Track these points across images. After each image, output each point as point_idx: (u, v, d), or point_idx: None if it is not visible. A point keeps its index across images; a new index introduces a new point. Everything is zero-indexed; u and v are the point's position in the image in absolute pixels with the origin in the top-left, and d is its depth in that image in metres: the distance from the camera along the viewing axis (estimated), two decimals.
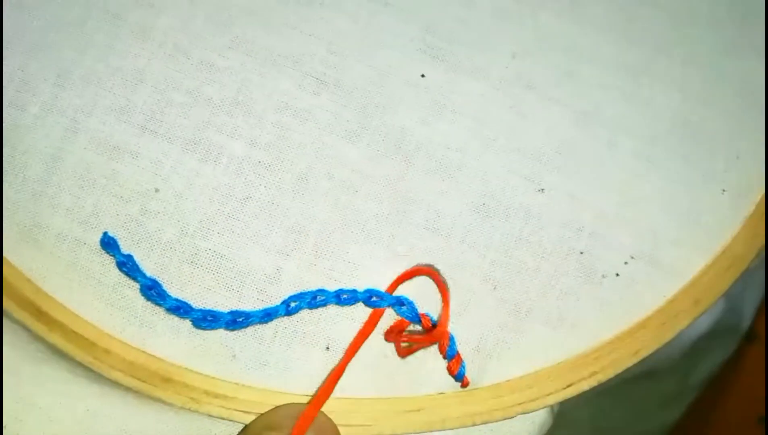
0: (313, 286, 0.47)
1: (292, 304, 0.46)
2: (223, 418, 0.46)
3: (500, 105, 0.49)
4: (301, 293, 0.46)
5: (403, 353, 0.47)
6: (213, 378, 0.46)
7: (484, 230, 0.48)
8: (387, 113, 0.48)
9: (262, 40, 0.48)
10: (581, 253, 0.49)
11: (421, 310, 0.47)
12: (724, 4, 0.53)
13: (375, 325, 0.46)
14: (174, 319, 0.46)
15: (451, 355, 0.47)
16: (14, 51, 0.47)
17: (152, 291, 0.45)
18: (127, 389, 0.45)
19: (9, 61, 0.47)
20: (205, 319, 0.45)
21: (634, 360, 0.48)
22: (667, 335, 0.49)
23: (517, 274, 0.48)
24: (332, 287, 0.47)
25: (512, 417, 0.47)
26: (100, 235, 0.46)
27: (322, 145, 0.48)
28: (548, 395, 0.47)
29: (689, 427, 1.00)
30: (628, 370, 0.49)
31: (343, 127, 0.48)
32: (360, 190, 0.47)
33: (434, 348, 0.47)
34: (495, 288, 0.48)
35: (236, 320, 0.45)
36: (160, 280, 0.46)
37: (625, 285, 0.49)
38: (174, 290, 0.46)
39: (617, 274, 0.49)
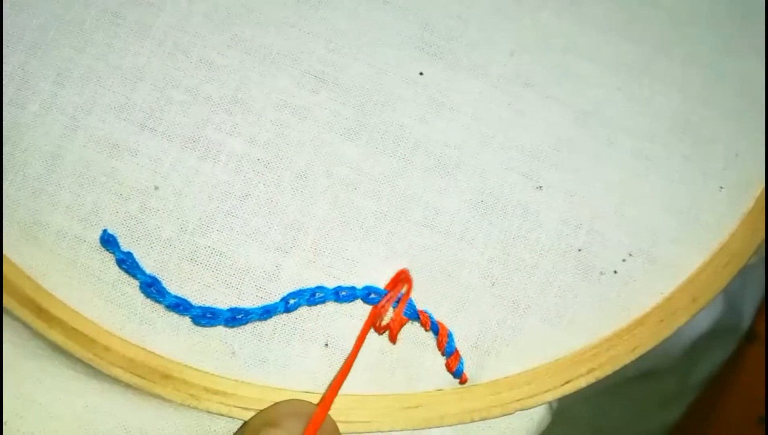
0: (311, 283, 0.47)
1: (291, 301, 0.46)
2: (222, 415, 0.46)
3: (499, 103, 0.50)
4: (300, 290, 0.46)
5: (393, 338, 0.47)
6: (212, 375, 0.46)
7: (482, 227, 0.48)
8: (385, 111, 0.49)
9: (260, 38, 0.49)
10: (579, 250, 0.49)
11: (419, 308, 0.47)
12: (724, 4, 0.54)
13: (375, 322, 0.46)
14: (173, 316, 0.46)
15: (449, 351, 0.47)
16: (14, 49, 0.47)
17: (152, 288, 0.46)
18: (127, 386, 0.46)
19: (9, 60, 0.47)
20: (205, 316, 0.46)
21: (632, 357, 0.48)
22: (665, 332, 0.49)
23: (515, 271, 0.48)
24: (331, 284, 0.47)
25: (511, 414, 0.48)
26: (99, 233, 0.46)
27: (321, 142, 0.48)
28: (546, 392, 0.48)
29: (689, 427, 1.01)
30: (627, 368, 0.49)
31: (342, 125, 0.48)
32: (359, 187, 0.48)
33: (433, 344, 0.47)
34: (493, 285, 0.48)
35: (235, 317, 0.46)
36: (159, 277, 0.46)
37: (622, 282, 0.49)
38: (173, 287, 0.46)
39: (615, 272, 0.49)
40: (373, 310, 0.46)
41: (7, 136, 0.46)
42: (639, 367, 0.74)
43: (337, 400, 0.46)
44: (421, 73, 0.49)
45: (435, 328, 0.47)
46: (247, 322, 0.46)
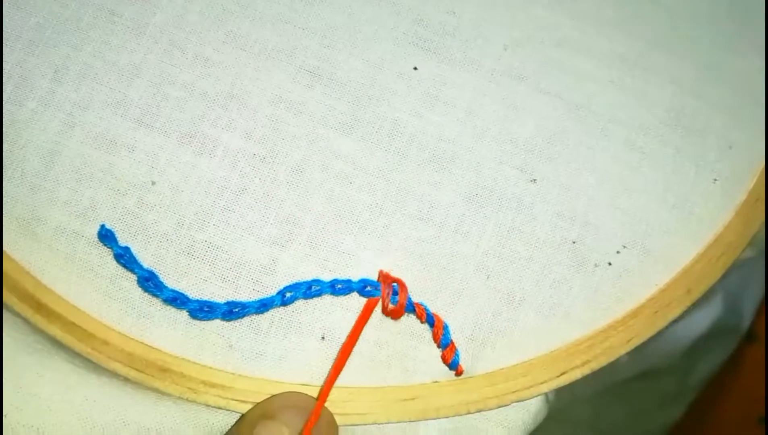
0: (308, 277, 0.47)
1: (288, 295, 0.47)
2: (220, 408, 0.46)
3: (492, 97, 0.50)
4: (297, 283, 0.47)
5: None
6: (210, 368, 0.47)
7: (477, 220, 0.49)
8: (380, 105, 0.49)
9: (255, 34, 0.49)
10: (574, 242, 0.49)
11: (415, 300, 0.47)
12: (723, 0, 0.54)
13: (370, 315, 0.47)
14: (171, 310, 0.47)
15: (445, 343, 0.47)
16: (12, 47, 0.48)
17: (149, 282, 0.46)
18: (126, 379, 0.46)
19: (7, 58, 0.48)
20: (202, 310, 0.46)
21: (627, 348, 0.49)
22: (660, 324, 0.49)
23: (510, 264, 0.49)
24: (327, 277, 0.47)
25: (507, 405, 0.48)
26: (97, 228, 0.47)
27: (316, 137, 0.48)
28: (542, 383, 0.48)
29: (689, 427, 1.01)
30: (627, 368, 0.50)
31: (337, 120, 0.49)
32: (354, 181, 0.48)
33: (429, 336, 0.48)
34: (488, 277, 0.48)
35: (232, 311, 0.46)
36: (157, 271, 0.46)
37: (617, 274, 0.50)
38: (171, 281, 0.46)
39: (609, 264, 0.49)
40: (368, 303, 0.47)
41: (5, 133, 0.47)
42: (639, 367, 0.74)
43: (333, 392, 0.46)
44: (415, 68, 0.50)
45: (431, 320, 0.47)
46: (244, 316, 0.46)
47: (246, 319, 0.47)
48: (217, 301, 0.46)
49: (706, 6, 0.54)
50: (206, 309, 0.46)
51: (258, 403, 0.46)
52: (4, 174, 0.46)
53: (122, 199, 0.47)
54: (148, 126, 0.48)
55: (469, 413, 0.48)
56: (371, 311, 0.47)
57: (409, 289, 0.47)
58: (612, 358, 0.49)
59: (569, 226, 0.49)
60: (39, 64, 0.48)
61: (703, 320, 0.79)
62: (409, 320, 0.48)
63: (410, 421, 0.47)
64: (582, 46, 0.52)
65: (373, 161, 0.49)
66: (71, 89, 0.48)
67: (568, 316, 0.49)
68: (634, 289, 0.50)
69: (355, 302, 0.47)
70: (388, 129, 0.49)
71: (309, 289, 0.47)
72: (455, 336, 0.48)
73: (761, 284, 0.85)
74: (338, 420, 0.46)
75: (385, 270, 0.48)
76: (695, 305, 0.50)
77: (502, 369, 0.48)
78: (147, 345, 0.46)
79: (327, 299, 0.47)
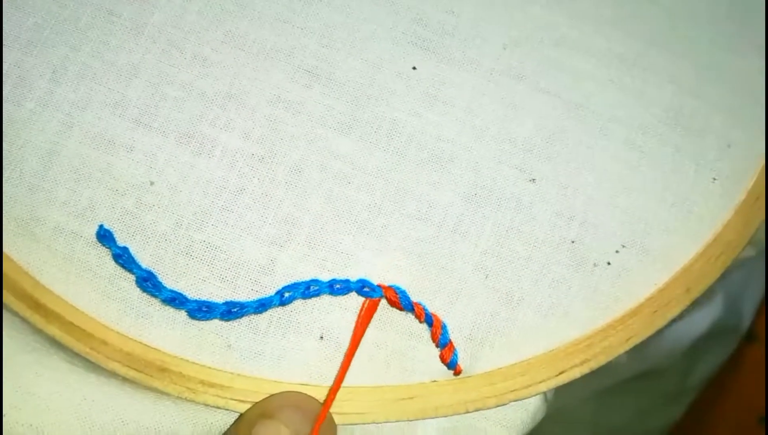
0: (306, 277, 0.47)
1: (286, 295, 0.46)
2: (219, 407, 0.46)
3: (491, 96, 0.50)
4: (295, 283, 0.47)
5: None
6: (209, 368, 0.47)
7: (475, 220, 0.49)
8: (379, 105, 0.49)
9: (254, 33, 0.49)
10: (572, 242, 0.49)
11: (414, 299, 0.47)
12: (723, 0, 0.54)
13: (372, 316, 0.47)
14: (170, 310, 0.47)
15: (443, 343, 0.47)
16: (11, 47, 0.48)
17: (148, 282, 0.46)
18: (125, 379, 0.46)
19: (6, 58, 0.48)
20: (201, 310, 0.46)
21: (626, 347, 0.49)
22: (659, 323, 0.49)
23: (508, 263, 0.49)
24: (325, 277, 0.47)
25: (505, 404, 0.48)
26: (96, 228, 0.47)
27: (315, 137, 0.48)
28: (541, 382, 0.48)
29: (689, 427, 1.01)
30: (627, 368, 0.49)
31: (336, 119, 0.49)
32: (352, 181, 0.48)
33: (427, 336, 0.47)
34: (487, 277, 0.48)
35: (231, 311, 0.46)
36: (155, 271, 0.46)
37: (616, 273, 0.49)
38: (169, 282, 0.46)
39: (608, 263, 0.49)
40: (370, 304, 0.46)
41: (4, 133, 0.47)
42: (639, 367, 0.74)
43: None
44: (414, 68, 0.50)
45: (429, 319, 0.47)
46: (242, 316, 0.46)
47: (244, 319, 0.47)
48: (216, 301, 0.46)
49: (704, 5, 0.54)
50: (205, 309, 0.46)
51: (256, 403, 0.46)
52: (2, 174, 0.46)
53: (121, 200, 0.47)
54: (146, 126, 0.47)
55: (467, 412, 0.48)
56: (373, 312, 0.46)
57: (407, 289, 0.47)
58: (611, 357, 0.49)
59: (568, 226, 0.49)
60: (37, 64, 0.48)
61: (703, 320, 0.79)
62: (407, 320, 0.48)
63: (409, 421, 0.47)
64: (581, 46, 0.52)
65: (371, 161, 0.48)
66: (70, 89, 0.48)
67: (567, 315, 0.49)
68: (633, 288, 0.50)
69: (354, 302, 0.47)
70: (387, 129, 0.49)
71: (307, 289, 0.47)
72: (454, 335, 0.48)
73: (761, 284, 0.85)
74: (337, 419, 0.46)
75: (384, 270, 0.47)
76: (695, 305, 0.50)
77: (501, 368, 0.48)
78: (145, 345, 0.46)
79: (325, 299, 0.47)
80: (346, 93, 0.49)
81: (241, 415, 0.46)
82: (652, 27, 0.53)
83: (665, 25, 0.53)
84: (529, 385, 0.48)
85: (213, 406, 0.46)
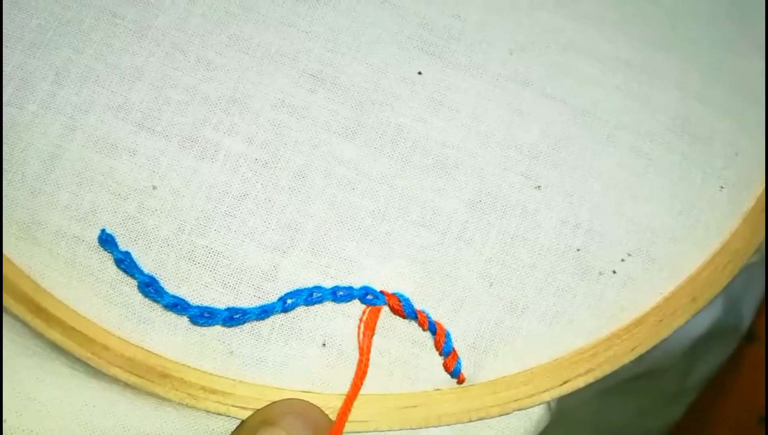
0: (309, 283, 0.46)
1: (289, 301, 0.45)
2: (220, 414, 0.45)
3: (497, 102, 0.49)
4: (298, 290, 0.45)
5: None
6: (210, 374, 0.45)
7: (480, 227, 0.47)
8: (384, 110, 0.47)
9: (258, 37, 0.48)
10: (578, 250, 0.47)
11: (417, 307, 0.45)
12: (724, 2, 0.52)
13: (375, 324, 0.45)
14: (171, 316, 0.45)
15: (447, 351, 0.46)
16: (13, 49, 0.46)
17: (150, 288, 0.44)
18: (126, 385, 0.45)
19: (8, 60, 0.46)
20: (203, 316, 0.44)
21: (631, 357, 0.47)
22: (664, 332, 0.48)
23: (513, 271, 0.47)
24: (328, 284, 0.46)
25: (509, 413, 0.46)
26: (97, 232, 0.45)
27: (319, 142, 0.47)
28: (544, 392, 0.46)
29: (689, 427, 0.99)
30: (627, 369, 0.48)
31: (340, 125, 0.47)
32: (356, 187, 0.46)
33: (431, 344, 0.46)
34: (491, 285, 0.47)
35: (233, 317, 0.45)
36: (157, 276, 0.45)
37: (622, 282, 0.48)
38: (171, 287, 0.45)
39: (614, 272, 0.48)
40: (371, 312, 0.45)
41: (6, 136, 0.45)
42: (639, 367, 0.73)
43: (334, 399, 0.45)
44: (419, 73, 0.48)
45: (433, 327, 0.46)
46: (244, 322, 0.45)
47: (247, 326, 0.45)
48: (218, 307, 0.45)
49: (711, 10, 0.52)
50: (207, 315, 0.44)
51: (258, 410, 0.45)
52: (4, 177, 0.45)
53: (123, 204, 0.45)
54: (149, 130, 0.46)
55: (470, 421, 0.46)
56: (376, 320, 0.45)
57: (411, 296, 0.46)
58: (616, 367, 0.47)
59: (573, 234, 0.48)
60: (40, 66, 0.46)
61: (703, 320, 0.78)
62: (411, 328, 0.46)
63: (412, 429, 0.46)
64: (587, 51, 0.50)
65: (376, 167, 0.47)
66: (72, 92, 0.46)
67: (572, 324, 0.47)
68: (639, 297, 0.48)
69: (357, 309, 0.46)
70: (392, 134, 0.47)
71: (310, 296, 0.45)
72: (457, 344, 0.46)
73: (761, 284, 0.83)
74: None
75: (387, 277, 0.46)
76: None
77: (504, 377, 0.47)
78: (147, 350, 0.45)
79: (328, 306, 0.46)
80: (351, 98, 0.48)
81: (243, 422, 0.45)
82: (660, 32, 0.51)
83: (673, 31, 0.51)
84: (533, 395, 0.46)
85: (214, 413, 0.45)
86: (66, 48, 0.47)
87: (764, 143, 0.51)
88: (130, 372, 0.44)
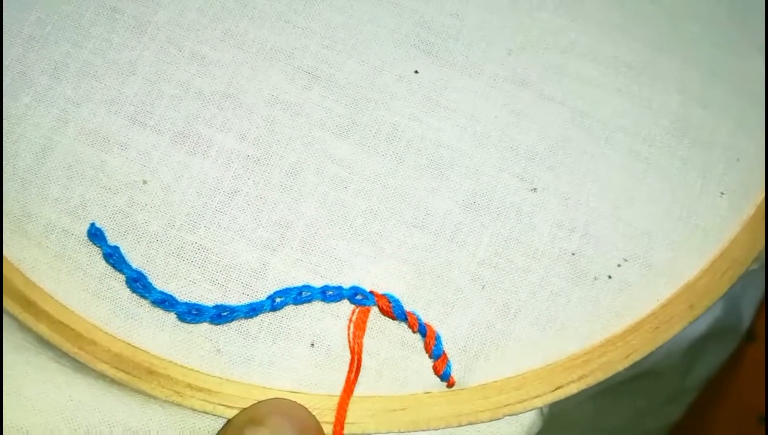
0: (298, 282, 0.43)
1: (278, 300, 0.42)
2: (206, 413, 0.42)
3: (494, 102, 0.45)
4: (287, 289, 0.42)
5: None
6: (197, 372, 0.42)
7: (473, 229, 0.44)
8: (379, 109, 0.45)
9: (254, 33, 0.45)
10: (573, 254, 0.44)
11: (407, 309, 0.42)
12: (725, 4, 0.49)
13: (365, 323, 0.42)
14: (159, 312, 0.42)
15: (437, 354, 0.43)
16: (12, 42, 0.44)
17: (138, 283, 0.42)
18: (113, 381, 0.42)
19: (7, 52, 0.44)
20: (190, 313, 0.42)
21: (626, 364, 0.44)
22: (660, 340, 0.44)
23: (506, 274, 0.44)
24: (318, 283, 0.43)
25: (499, 418, 0.43)
26: (87, 226, 0.42)
27: (312, 139, 0.44)
28: (536, 397, 0.43)
29: (689, 427, 0.96)
30: (622, 373, 0.44)
31: (334, 122, 0.44)
32: (349, 186, 0.43)
33: (421, 346, 0.43)
34: (483, 287, 0.43)
35: (221, 314, 0.42)
36: (146, 272, 0.42)
37: (617, 288, 0.45)
38: (159, 283, 0.42)
39: (609, 277, 0.44)
40: (360, 313, 0.42)
41: None
42: (636, 368, 0.69)
43: (322, 400, 0.42)
44: (416, 72, 0.45)
45: (423, 330, 0.43)
46: (232, 320, 0.42)
47: (235, 324, 0.42)
48: (206, 305, 0.42)
49: (712, 11, 0.49)
50: (195, 312, 0.42)
51: (244, 409, 0.42)
52: None
53: (113, 198, 0.42)
54: (141, 124, 0.43)
55: (460, 425, 0.43)
56: (365, 322, 0.42)
57: (401, 298, 0.43)
58: (609, 374, 0.44)
59: (569, 237, 0.44)
60: (39, 59, 0.44)
61: (703, 320, 0.74)
62: (400, 329, 0.43)
63: (400, 432, 0.43)
64: (588, 53, 0.47)
65: (369, 166, 0.44)
66: (68, 85, 0.44)
67: (565, 329, 0.44)
68: (635, 303, 0.45)
69: (346, 309, 0.43)
70: (386, 133, 0.44)
71: (299, 295, 0.42)
72: (448, 347, 0.43)
73: (761, 284, 0.80)
74: (326, 429, 0.42)
75: (378, 277, 0.43)
76: None
77: (496, 381, 0.43)
78: (134, 346, 0.42)
79: (317, 306, 0.43)
80: (346, 95, 0.45)
81: (229, 420, 0.42)
82: (661, 35, 0.48)
83: (674, 33, 0.48)
84: (524, 400, 0.43)
85: (200, 411, 0.42)
86: (65, 42, 0.44)
87: (766, 149, 0.47)
88: (116, 368, 0.42)
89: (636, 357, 0.44)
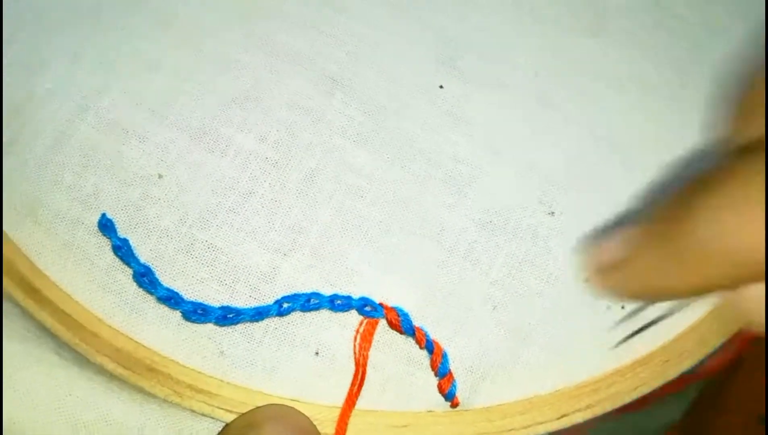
0: (307, 289, 0.40)
1: (285, 305, 0.39)
2: (205, 415, 0.39)
3: (518, 123, 0.42)
4: (295, 295, 0.39)
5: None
6: (198, 372, 0.39)
7: (488, 248, 0.41)
8: (401, 121, 0.42)
9: (280, 36, 0.42)
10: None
11: (416, 323, 0.39)
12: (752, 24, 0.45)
13: (372, 335, 0.39)
14: (164, 309, 0.39)
15: (443, 372, 0.39)
16: (36, 27, 0.41)
17: (145, 278, 0.39)
18: (112, 377, 0.39)
19: (30, 38, 0.41)
20: (196, 312, 0.39)
21: (633, 396, 0.41)
22: (670, 374, 0.41)
23: (519, 297, 0.40)
24: (327, 292, 0.39)
25: None
26: (98, 217, 0.39)
27: (332, 146, 0.41)
28: (540, 424, 0.40)
29: (689, 427, 0.93)
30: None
31: (355, 131, 0.41)
32: (365, 195, 0.40)
33: (427, 363, 0.40)
34: (494, 308, 0.40)
35: (227, 316, 0.39)
36: (153, 267, 0.39)
37: (630, 318, 0.41)
38: (167, 279, 0.39)
39: (623, 307, 0.41)
40: (368, 325, 0.39)
41: (18, 111, 0.40)
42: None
43: (323, 411, 0.39)
44: (441, 87, 0.42)
45: (430, 346, 0.39)
46: (238, 322, 0.39)
47: (240, 326, 0.39)
48: (212, 305, 0.39)
49: (739, 34, 0.45)
50: (200, 312, 0.39)
51: (243, 414, 0.39)
52: (11, 152, 0.39)
53: (127, 190, 0.40)
54: (161, 118, 0.40)
55: None
56: (372, 334, 0.39)
57: (410, 312, 0.39)
58: (616, 405, 0.41)
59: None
60: (61, 46, 0.41)
61: None
62: (407, 344, 0.40)
63: None
64: (616, 79, 0.43)
65: (387, 177, 0.41)
66: (89, 73, 0.41)
67: (575, 357, 0.41)
68: (647, 334, 0.41)
69: (354, 320, 0.39)
70: (407, 145, 0.41)
71: (307, 302, 0.39)
72: (454, 366, 0.40)
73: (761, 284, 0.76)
74: None
75: (388, 290, 0.40)
76: None
77: (501, 405, 0.40)
78: (136, 342, 0.39)
79: (325, 314, 0.39)
80: (368, 105, 0.41)
81: (227, 425, 0.39)
82: (691, 65, 0.44)
83: (705, 65, 0.44)
84: (529, 426, 0.40)
85: (199, 413, 0.39)
86: (88, 29, 0.41)
87: None
88: (117, 362, 0.39)
89: (644, 390, 0.41)
